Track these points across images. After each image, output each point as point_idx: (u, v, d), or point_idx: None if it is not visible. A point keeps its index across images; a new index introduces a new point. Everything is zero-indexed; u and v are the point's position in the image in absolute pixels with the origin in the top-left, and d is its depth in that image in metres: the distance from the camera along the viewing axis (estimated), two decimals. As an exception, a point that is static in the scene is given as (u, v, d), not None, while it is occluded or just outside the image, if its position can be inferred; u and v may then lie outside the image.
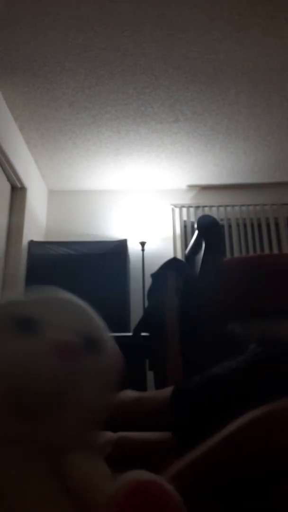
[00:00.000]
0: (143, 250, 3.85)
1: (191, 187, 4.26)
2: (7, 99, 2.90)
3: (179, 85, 2.81)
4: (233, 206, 4.10)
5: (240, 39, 2.42)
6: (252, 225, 4.06)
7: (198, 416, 0.82)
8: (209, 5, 2.19)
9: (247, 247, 3.97)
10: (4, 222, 3.20)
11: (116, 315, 3.15)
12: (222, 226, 3.98)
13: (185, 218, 4.14)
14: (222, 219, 4.07)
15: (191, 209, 4.14)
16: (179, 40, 2.43)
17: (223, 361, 0.90)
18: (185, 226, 4.13)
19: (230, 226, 4.09)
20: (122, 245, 3.51)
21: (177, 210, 4.16)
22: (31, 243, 3.47)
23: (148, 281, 1.80)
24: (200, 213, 4.09)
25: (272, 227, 4.01)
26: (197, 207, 4.13)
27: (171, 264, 1.70)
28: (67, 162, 3.75)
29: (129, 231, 4.05)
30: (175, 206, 4.17)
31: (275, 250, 3.91)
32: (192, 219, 4.10)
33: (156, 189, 4.28)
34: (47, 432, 0.53)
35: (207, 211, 4.12)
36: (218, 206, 4.11)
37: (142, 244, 3.86)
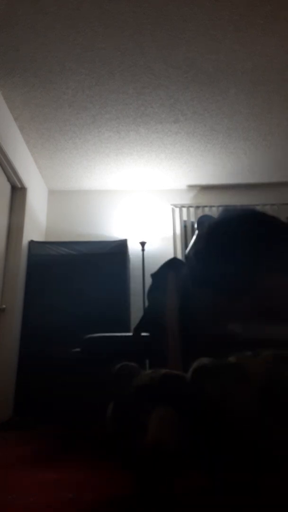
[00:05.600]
0: (143, 250, 3.85)
1: (191, 187, 4.26)
2: (7, 99, 2.90)
3: (179, 85, 2.81)
4: (233, 206, 4.10)
5: (240, 39, 2.42)
6: (252, 225, 4.06)
7: None
8: (209, 5, 2.19)
9: (247, 247, 3.97)
10: (4, 222, 3.20)
11: (116, 315, 3.16)
12: (222, 226, 3.98)
13: (185, 218, 4.14)
14: (222, 219, 4.07)
15: (191, 209, 4.15)
16: (179, 40, 2.43)
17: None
18: (185, 226, 4.13)
19: (230, 226, 4.09)
20: (122, 245, 3.51)
21: (177, 210, 4.17)
22: (31, 243, 3.48)
23: (148, 281, 1.80)
24: (200, 213, 4.10)
25: (272, 227, 4.00)
26: (197, 207, 4.13)
27: (171, 264, 1.70)
28: (67, 162, 3.75)
29: (129, 231, 4.06)
30: (175, 206, 4.17)
31: (275, 250, 3.91)
32: (192, 219, 4.10)
33: (156, 189, 4.28)
34: None
35: (207, 211, 4.12)
36: (218, 206, 4.12)
37: (142, 244, 3.87)
